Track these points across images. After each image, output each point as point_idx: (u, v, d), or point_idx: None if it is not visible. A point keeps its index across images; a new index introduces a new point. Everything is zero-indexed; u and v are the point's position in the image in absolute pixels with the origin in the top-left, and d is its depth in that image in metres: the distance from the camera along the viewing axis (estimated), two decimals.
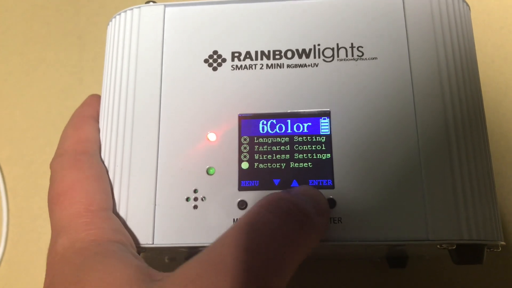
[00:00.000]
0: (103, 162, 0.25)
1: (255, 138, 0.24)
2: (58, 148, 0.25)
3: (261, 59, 0.25)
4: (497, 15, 0.42)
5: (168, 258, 0.32)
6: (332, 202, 0.22)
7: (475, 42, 0.26)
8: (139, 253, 0.23)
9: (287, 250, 0.19)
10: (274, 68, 0.25)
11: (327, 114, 0.24)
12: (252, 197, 0.23)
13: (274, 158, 0.24)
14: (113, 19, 0.27)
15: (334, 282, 0.36)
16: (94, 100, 0.27)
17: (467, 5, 0.26)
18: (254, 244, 0.18)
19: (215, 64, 0.25)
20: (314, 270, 0.37)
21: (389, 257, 0.35)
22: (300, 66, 0.25)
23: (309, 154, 0.23)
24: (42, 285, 0.22)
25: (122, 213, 0.23)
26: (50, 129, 0.43)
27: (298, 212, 0.20)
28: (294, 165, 0.23)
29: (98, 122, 0.26)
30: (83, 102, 0.27)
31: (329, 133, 0.23)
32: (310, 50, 0.25)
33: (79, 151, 0.24)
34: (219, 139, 0.24)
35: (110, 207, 0.23)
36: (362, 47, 0.24)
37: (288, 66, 0.25)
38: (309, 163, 0.23)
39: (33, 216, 0.41)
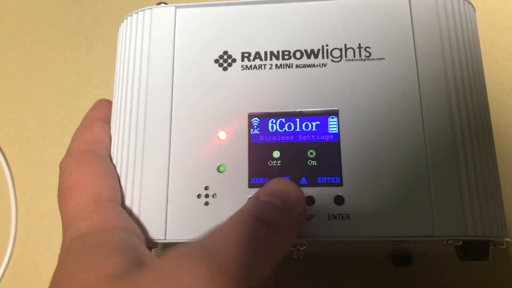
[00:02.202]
0: (112, 162, 0.25)
1: (265, 136, 0.24)
2: (67, 150, 0.25)
3: (271, 59, 0.25)
4: (501, 16, 0.42)
5: None
6: (340, 199, 0.23)
7: (480, 44, 0.26)
8: (151, 248, 0.24)
9: (254, 259, 0.19)
10: (283, 68, 0.25)
11: (335, 113, 0.24)
12: None
13: (283, 156, 0.24)
14: (125, 20, 0.28)
15: (339, 280, 0.37)
16: (102, 104, 0.28)
17: (472, 6, 0.26)
18: (223, 250, 0.19)
19: (225, 64, 0.26)
20: (319, 268, 0.37)
21: (393, 256, 0.36)
22: (309, 66, 0.25)
23: (317, 152, 0.24)
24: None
25: (135, 209, 0.24)
26: (58, 128, 0.44)
27: (262, 224, 0.20)
28: (302, 163, 0.24)
29: (107, 123, 0.27)
30: (92, 106, 0.28)
31: (337, 131, 0.24)
32: (318, 50, 0.25)
33: (86, 150, 0.25)
34: (229, 137, 0.24)
35: (118, 200, 0.24)
36: (369, 47, 0.25)
37: (297, 66, 0.25)
38: (318, 161, 0.24)
39: (41, 215, 0.42)
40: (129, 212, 0.24)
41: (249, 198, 0.23)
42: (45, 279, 0.40)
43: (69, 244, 0.21)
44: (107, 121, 0.27)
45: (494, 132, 0.25)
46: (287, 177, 0.24)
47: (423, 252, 0.33)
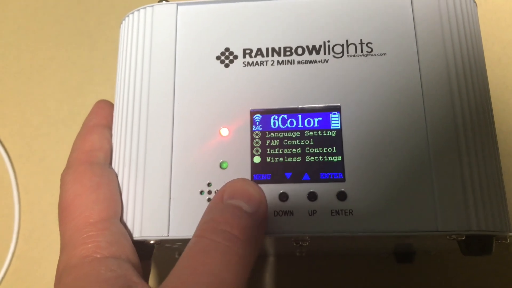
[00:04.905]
0: (111, 164, 0.25)
1: (267, 133, 0.24)
2: (67, 161, 0.26)
3: (272, 55, 0.25)
4: (504, 14, 0.42)
5: (178, 254, 0.33)
6: (343, 195, 0.23)
7: (482, 41, 0.26)
8: (153, 247, 0.24)
9: (224, 268, 0.20)
10: (285, 64, 0.25)
11: (337, 109, 0.24)
12: (264, 190, 0.23)
13: (285, 152, 0.24)
14: (126, 18, 0.28)
15: (342, 277, 0.37)
16: (100, 107, 0.27)
17: (474, 1, 0.26)
18: (198, 268, 0.20)
19: (227, 61, 0.26)
20: (322, 265, 0.37)
21: (396, 253, 0.36)
22: (311, 62, 0.25)
23: (320, 148, 0.24)
24: (53, 279, 0.22)
25: (138, 207, 0.24)
26: (61, 126, 0.44)
27: (224, 229, 0.21)
28: (305, 159, 0.24)
29: (106, 128, 0.26)
30: (90, 110, 0.28)
31: (339, 127, 0.24)
32: (320, 46, 0.25)
33: (82, 161, 0.25)
34: (232, 134, 0.24)
35: (111, 215, 0.23)
36: (371, 43, 0.25)
37: (299, 62, 0.25)
38: (320, 157, 0.24)
39: (44, 212, 0.42)
40: (132, 210, 0.24)
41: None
42: (47, 276, 0.40)
43: (61, 275, 0.22)
44: (106, 125, 0.27)
45: (497, 130, 0.25)
46: (290, 173, 0.24)
47: (426, 249, 0.33)
